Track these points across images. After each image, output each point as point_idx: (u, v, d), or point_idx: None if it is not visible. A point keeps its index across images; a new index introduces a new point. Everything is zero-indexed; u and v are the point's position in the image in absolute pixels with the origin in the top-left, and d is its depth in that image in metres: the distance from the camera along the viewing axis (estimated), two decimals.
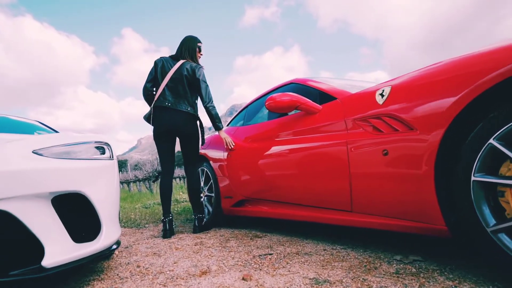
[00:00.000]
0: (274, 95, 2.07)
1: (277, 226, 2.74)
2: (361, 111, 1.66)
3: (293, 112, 2.25)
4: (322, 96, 2.10)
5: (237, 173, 2.71)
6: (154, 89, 2.83)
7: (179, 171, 13.69)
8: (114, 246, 1.60)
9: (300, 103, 1.99)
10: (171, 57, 2.86)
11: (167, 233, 2.66)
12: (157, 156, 10.82)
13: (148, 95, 2.85)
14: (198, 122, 2.82)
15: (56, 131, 2.68)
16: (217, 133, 2.96)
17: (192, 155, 2.83)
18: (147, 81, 2.83)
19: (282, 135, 2.25)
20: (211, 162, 3.14)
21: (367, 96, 1.67)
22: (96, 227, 1.47)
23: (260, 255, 1.78)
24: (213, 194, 3.07)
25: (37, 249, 1.25)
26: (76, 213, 1.41)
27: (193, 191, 2.83)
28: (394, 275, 1.32)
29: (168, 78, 2.73)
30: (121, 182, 21.05)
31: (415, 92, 1.39)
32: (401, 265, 1.43)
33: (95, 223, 1.46)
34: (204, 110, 2.72)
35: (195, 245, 2.19)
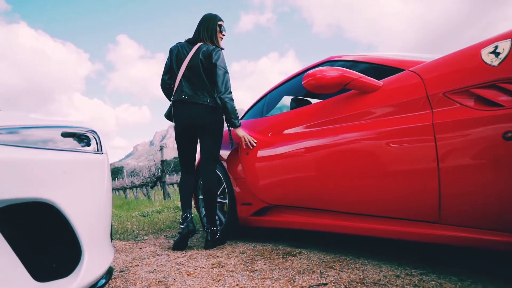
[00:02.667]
0: (314, 70, 1.57)
1: (306, 238, 2.23)
2: (459, 80, 1.16)
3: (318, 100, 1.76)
4: (377, 71, 1.61)
5: (258, 174, 2.20)
6: (172, 81, 2.39)
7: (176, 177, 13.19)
8: (103, 281, 1.08)
9: (353, 79, 1.49)
10: (188, 41, 2.38)
11: (181, 241, 2.23)
12: (155, 162, 10.25)
13: (166, 89, 2.43)
14: (220, 115, 2.33)
15: None
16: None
17: (210, 148, 2.31)
18: (164, 74, 2.43)
19: (323, 123, 1.75)
20: (223, 161, 2.62)
21: (465, 59, 1.18)
22: (75, 253, 0.95)
23: (312, 287, 1.27)
24: (226, 201, 2.55)
25: None
26: (42, 234, 0.90)
27: (209, 196, 2.30)
28: None
29: (184, 67, 2.28)
30: (117, 189, 20.30)
31: None
32: None
33: (73, 247, 0.95)
34: (219, 102, 2.23)
35: (212, 267, 1.68)
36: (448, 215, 1.20)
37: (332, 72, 1.51)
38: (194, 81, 2.27)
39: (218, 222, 2.55)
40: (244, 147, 2.33)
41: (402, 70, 1.48)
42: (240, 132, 2.31)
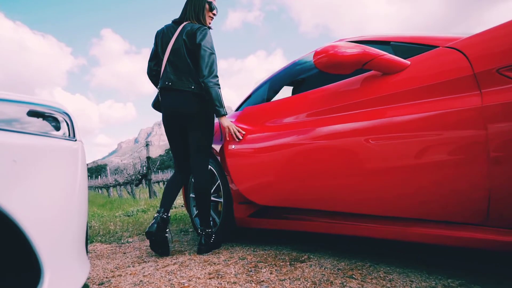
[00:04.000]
0: (326, 46, 1.34)
1: (311, 240, 2.02)
2: None
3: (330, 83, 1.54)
4: (402, 50, 1.40)
5: (248, 171, 1.95)
6: (159, 67, 2.16)
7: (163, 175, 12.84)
8: None
9: (375, 57, 1.27)
10: (174, 21, 2.14)
11: (155, 246, 1.96)
12: (140, 159, 9.88)
13: (152, 76, 2.21)
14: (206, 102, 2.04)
15: None
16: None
17: (198, 142, 2.05)
18: (149, 60, 2.21)
19: (331, 110, 1.52)
20: (216, 155, 2.37)
21: None
22: (32, 275, 0.70)
23: None
24: (220, 199, 2.31)
25: None
26: None
27: (200, 193, 2.04)
28: None
29: (168, 51, 2.04)
30: (100, 187, 19.60)
31: None
32: None
33: (30, 267, 0.69)
34: (203, 87, 1.95)
35: (209, 277, 1.43)
36: (498, 217, 1.00)
37: (349, 48, 1.28)
38: (178, 65, 2.01)
39: (211, 223, 2.30)
40: (228, 139, 2.08)
41: (432, 47, 1.28)
42: (225, 121, 2.04)
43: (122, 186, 12.12)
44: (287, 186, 1.71)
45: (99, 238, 2.91)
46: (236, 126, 2.12)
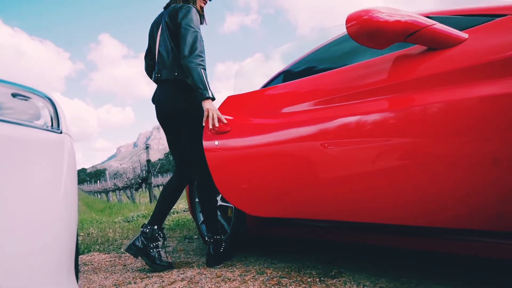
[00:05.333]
0: (360, 11, 1.10)
1: (335, 249, 1.79)
2: None
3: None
4: (454, 23, 1.17)
5: (252, 172, 1.61)
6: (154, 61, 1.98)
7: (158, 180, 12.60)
8: None
9: (423, 26, 1.03)
10: (164, 7, 1.94)
11: (153, 260, 1.72)
12: (140, 162, 9.64)
13: (149, 72, 2.04)
14: (191, 92, 1.78)
15: None
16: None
17: (192, 140, 1.81)
18: (145, 56, 2.05)
19: (361, 94, 1.24)
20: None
21: None
22: None
23: None
24: (230, 204, 2.08)
25: None
26: None
27: (204, 194, 1.83)
28: None
29: (158, 40, 1.86)
30: (99, 192, 19.28)
31: None
32: None
33: None
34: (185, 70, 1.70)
35: None
36: None
37: (392, 13, 1.05)
38: (164, 52, 1.81)
39: (220, 230, 2.06)
40: (210, 127, 1.72)
41: (490, 18, 1.06)
42: (207, 104, 1.69)
43: (121, 191, 11.88)
44: (289, 192, 1.44)
45: (97, 247, 2.68)
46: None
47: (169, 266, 1.72)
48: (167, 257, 1.98)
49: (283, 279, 1.37)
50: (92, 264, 2.04)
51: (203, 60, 1.70)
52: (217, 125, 1.69)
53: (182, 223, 3.71)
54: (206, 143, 1.76)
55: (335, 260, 1.61)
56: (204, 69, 1.69)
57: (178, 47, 1.77)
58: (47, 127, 0.71)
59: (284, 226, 1.67)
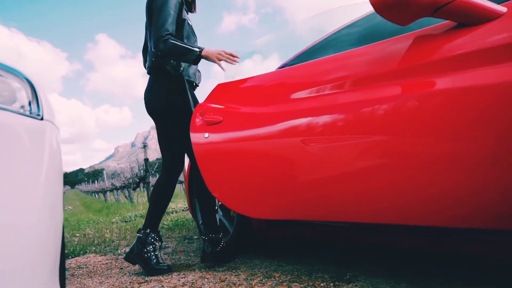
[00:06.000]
0: None
1: (346, 250, 1.68)
2: None
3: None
4: None
5: (249, 168, 1.45)
6: None
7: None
8: None
9: None
10: None
11: (152, 266, 1.61)
12: (138, 161, 9.55)
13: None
14: (171, 82, 1.65)
15: None
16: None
17: (176, 139, 1.71)
18: (142, 50, 1.98)
19: (379, 77, 1.11)
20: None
21: None
22: None
23: None
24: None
25: None
26: None
27: (203, 194, 1.72)
28: None
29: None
30: (97, 192, 19.06)
31: None
32: None
33: None
34: (159, 56, 1.60)
35: None
36: None
37: None
38: (147, 39, 1.73)
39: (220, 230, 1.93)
40: (229, 61, 1.58)
41: None
42: (209, 53, 1.57)
43: (119, 190, 11.73)
44: (293, 190, 1.29)
45: (93, 248, 2.57)
46: (210, 107, 1.61)
47: (168, 270, 1.60)
48: (163, 261, 1.86)
49: (294, 283, 1.26)
50: (87, 267, 1.92)
51: (169, 35, 1.56)
52: (237, 60, 1.62)
53: (182, 222, 3.60)
54: (194, 136, 1.59)
55: (347, 263, 1.50)
56: (171, 39, 1.55)
57: None
58: (24, 111, 0.60)
59: (297, 226, 1.55)
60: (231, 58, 1.61)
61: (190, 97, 1.68)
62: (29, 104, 0.61)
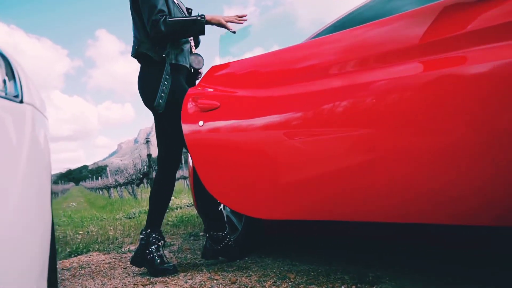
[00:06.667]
0: None
1: (359, 247, 1.58)
2: None
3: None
4: None
5: (251, 161, 1.29)
6: None
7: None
8: None
9: None
10: None
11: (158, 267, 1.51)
12: (141, 157, 9.51)
13: None
14: (159, 70, 1.51)
15: None
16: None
17: (170, 132, 1.58)
18: None
19: (400, 52, 0.96)
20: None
21: None
22: None
23: None
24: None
25: None
26: None
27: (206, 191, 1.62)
28: None
29: None
30: (100, 188, 19.06)
31: None
32: None
33: None
34: (156, 41, 1.50)
35: None
36: None
37: None
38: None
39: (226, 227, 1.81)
40: (236, 22, 1.50)
41: None
42: (214, 16, 1.50)
43: (122, 187, 11.69)
44: (312, 187, 1.13)
45: (97, 246, 2.48)
46: (205, 92, 1.44)
47: (174, 270, 1.51)
48: (168, 260, 1.77)
49: (311, 285, 1.16)
50: (90, 267, 1.83)
51: (166, 14, 1.46)
52: (242, 19, 1.53)
53: (187, 219, 3.51)
54: (186, 124, 1.41)
55: (367, 261, 1.39)
56: (167, 18, 1.45)
57: (138, 15, 1.54)
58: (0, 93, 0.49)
59: (311, 223, 1.44)
60: (238, 18, 1.53)
61: (170, 83, 1.50)
62: (4, 82, 0.50)
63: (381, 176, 0.96)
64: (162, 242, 1.59)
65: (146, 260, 1.53)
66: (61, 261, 2.10)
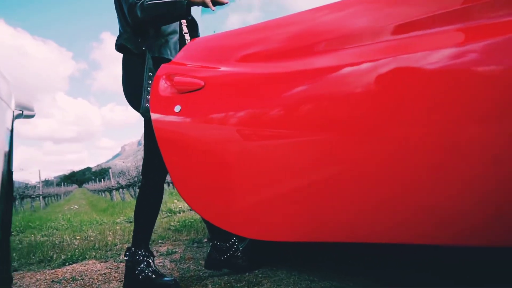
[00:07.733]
0: None
1: (381, 254, 1.40)
2: None
3: None
4: None
5: (239, 159, 0.99)
6: None
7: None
8: None
9: None
10: None
11: None
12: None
13: None
14: (139, 64, 1.33)
15: None
16: None
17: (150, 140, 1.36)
18: None
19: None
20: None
21: None
22: None
23: None
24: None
25: None
26: None
27: None
28: None
29: None
30: (103, 190, 18.97)
31: None
32: None
33: None
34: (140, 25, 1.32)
35: None
36: None
37: None
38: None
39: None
40: (220, 0, 1.24)
41: None
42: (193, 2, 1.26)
43: (125, 189, 11.57)
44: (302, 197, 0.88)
45: (94, 253, 2.32)
46: (184, 68, 1.12)
47: (175, 285, 1.31)
48: (165, 274, 1.60)
49: None
50: (83, 279, 1.66)
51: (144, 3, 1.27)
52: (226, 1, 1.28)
53: (190, 223, 3.33)
54: (156, 115, 1.07)
55: (396, 278, 1.21)
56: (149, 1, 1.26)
57: (120, 3, 1.38)
58: None
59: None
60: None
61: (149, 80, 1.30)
62: None
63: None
64: (152, 257, 1.37)
65: (139, 282, 1.30)
66: (53, 270, 1.93)
